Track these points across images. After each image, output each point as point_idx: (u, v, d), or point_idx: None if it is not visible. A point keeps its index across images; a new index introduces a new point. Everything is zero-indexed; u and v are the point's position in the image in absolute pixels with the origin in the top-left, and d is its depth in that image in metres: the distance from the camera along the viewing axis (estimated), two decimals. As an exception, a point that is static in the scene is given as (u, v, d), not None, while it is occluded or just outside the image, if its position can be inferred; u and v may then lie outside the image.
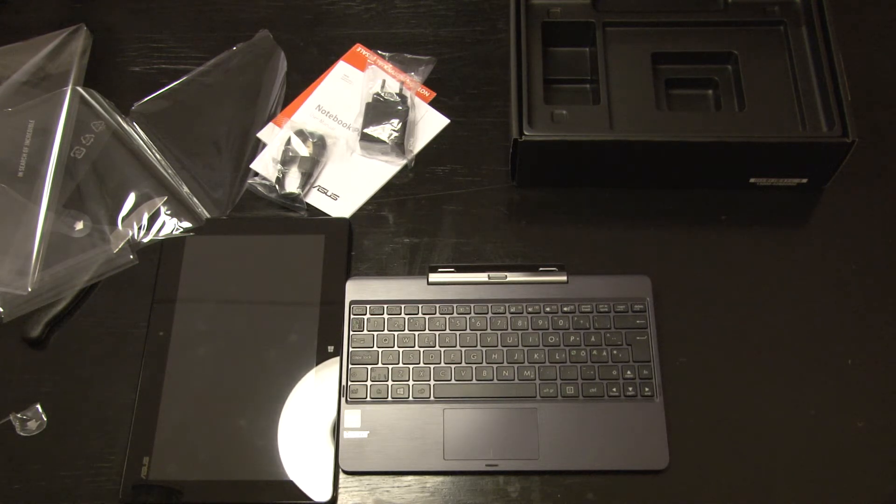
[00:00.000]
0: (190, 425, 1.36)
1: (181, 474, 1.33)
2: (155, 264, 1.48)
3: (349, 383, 1.37)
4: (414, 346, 1.39)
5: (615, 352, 1.38)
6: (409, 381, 1.37)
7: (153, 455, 1.33)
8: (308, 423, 1.36)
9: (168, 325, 1.42)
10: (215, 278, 1.47)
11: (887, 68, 1.65)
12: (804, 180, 1.51)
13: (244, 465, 1.33)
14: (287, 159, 1.56)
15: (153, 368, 1.38)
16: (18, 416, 1.38)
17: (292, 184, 1.54)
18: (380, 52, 1.68)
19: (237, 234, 1.51)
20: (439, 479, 1.34)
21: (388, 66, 1.66)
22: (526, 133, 1.44)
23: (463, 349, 1.39)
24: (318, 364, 1.39)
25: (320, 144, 1.58)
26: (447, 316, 1.41)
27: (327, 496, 1.31)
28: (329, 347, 1.41)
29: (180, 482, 1.32)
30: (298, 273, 1.47)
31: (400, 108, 1.59)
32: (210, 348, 1.41)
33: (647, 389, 1.35)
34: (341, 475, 1.34)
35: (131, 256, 1.49)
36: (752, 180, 1.51)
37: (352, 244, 1.52)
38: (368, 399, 1.36)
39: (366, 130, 1.57)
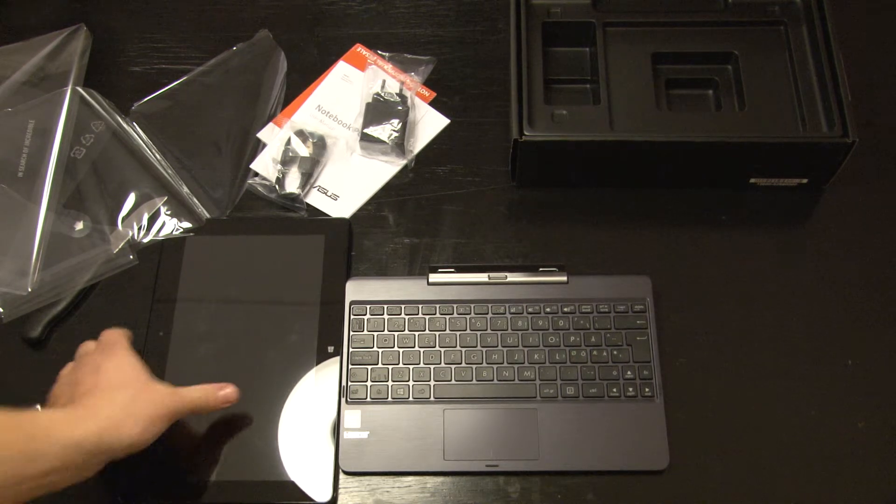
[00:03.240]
0: (191, 425, 1.35)
1: (181, 474, 1.33)
2: (155, 264, 1.48)
3: (349, 384, 1.37)
4: (414, 347, 1.39)
5: (615, 352, 1.38)
6: (409, 381, 1.37)
7: (155, 452, 1.32)
8: (308, 424, 1.36)
9: (168, 325, 1.42)
10: (215, 278, 1.47)
11: (887, 68, 1.65)
12: (804, 180, 1.51)
13: (244, 465, 1.33)
14: (287, 159, 1.56)
15: (153, 368, 1.38)
16: (18, 416, 1.38)
17: (292, 184, 1.54)
18: (380, 52, 1.68)
19: (237, 234, 1.51)
20: (439, 479, 1.34)
21: (388, 66, 1.66)
22: (526, 133, 1.44)
23: (463, 349, 1.39)
24: (318, 364, 1.39)
25: (320, 144, 1.58)
26: (447, 316, 1.41)
27: (327, 497, 1.31)
28: (329, 348, 1.40)
29: (180, 482, 1.32)
30: (299, 273, 1.47)
31: (400, 108, 1.59)
32: (210, 348, 1.41)
33: (647, 390, 1.35)
34: (341, 475, 1.34)
35: (131, 256, 1.49)
36: (752, 180, 1.51)
37: (352, 244, 1.52)
38: (368, 399, 1.36)
39: (366, 130, 1.57)
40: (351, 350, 1.40)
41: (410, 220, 1.54)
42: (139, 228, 1.51)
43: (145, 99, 1.62)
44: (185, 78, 1.65)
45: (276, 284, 1.46)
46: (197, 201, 1.53)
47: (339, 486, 1.33)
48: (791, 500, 1.31)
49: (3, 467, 1.02)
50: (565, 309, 1.40)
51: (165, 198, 1.53)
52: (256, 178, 1.56)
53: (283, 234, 1.50)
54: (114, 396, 1.16)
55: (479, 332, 1.40)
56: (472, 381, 1.37)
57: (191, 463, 1.34)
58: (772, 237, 1.51)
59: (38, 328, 1.43)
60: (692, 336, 1.42)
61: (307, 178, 1.55)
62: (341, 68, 1.67)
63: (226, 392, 1.29)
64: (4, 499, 1.03)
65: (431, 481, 1.34)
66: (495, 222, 1.54)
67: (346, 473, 1.34)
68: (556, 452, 1.33)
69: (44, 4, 1.76)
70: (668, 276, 1.46)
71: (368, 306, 1.42)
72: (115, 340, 1.26)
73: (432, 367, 1.38)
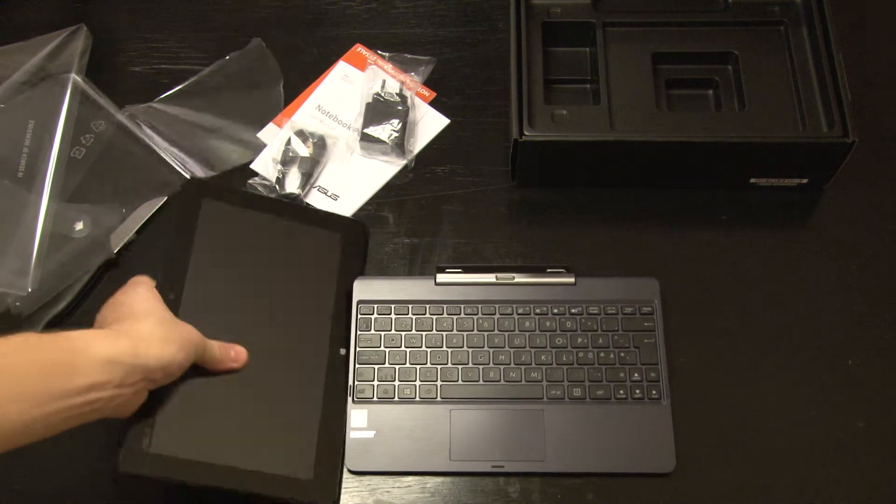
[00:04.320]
0: (196, 402, 1.30)
1: (184, 452, 1.27)
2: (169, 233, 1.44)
3: (356, 383, 1.38)
4: (421, 347, 1.40)
5: (622, 354, 1.38)
6: (415, 381, 1.38)
7: (156, 426, 1.26)
8: (315, 422, 1.35)
9: (179, 290, 1.35)
10: (228, 253, 1.42)
11: (887, 68, 1.66)
12: (804, 180, 1.51)
13: (248, 453, 1.30)
14: (287, 159, 1.56)
15: None
16: (19, 416, 1.37)
17: (292, 184, 1.54)
18: (380, 52, 1.68)
19: (254, 210, 1.46)
20: (440, 479, 1.34)
21: (388, 66, 1.66)
22: (526, 133, 1.45)
23: (470, 350, 1.39)
24: (327, 368, 1.38)
25: (320, 144, 1.58)
26: (454, 316, 1.41)
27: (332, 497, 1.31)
28: (342, 350, 1.40)
29: (182, 460, 1.27)
30: (314, 267, 1.45)
31: (400, 108, 1.59)
32: (221, 319, 1.35)
33: (654, 392, 1.36)
34: (343, 474, 1.34)
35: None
36: (752, 180, 1.52)
37: (367, 246, 1.52)
38: (375, 399, 1.37)
39: (366, 130, 1.57)
40: (358, 349, 1.40)
41: (410, 220, 1.55)
42: (140, 228, 1.50)
43: (146, 104, 1.62)
44: (178, 87, 1.65)
45: (289, 274, 1.44)
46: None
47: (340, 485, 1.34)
48: (792, 501, 1.32)
49: (49, 379, 1.03)
50: (573, 310, 1.41)
51: (165, 198, 1.53)
52: (256, 178, 1.55)
53: (303, 224, 1.48)
54: (142, 321, 1.17)
55: (486, 333, 1.40)
56: (478, 381, 1.37)
57: (195, 442, 1.29)
58: (772, 237, 1.51)
59: (38, 328, 1.42)
60: (696, 337, 1.42)
61: (307, 178, 1.55)
62: (341, 68, 1.67)
63: (237, 351, 1.32)
64: (54, 414, 1.03)
65: (432, 481, 1.34)
66: (495, 222, 1.54)
67: (352, 473, 1.34)
68: (562, 454, 1.33)
69: (44, 4, 1.75)
70: (667, 275, 1.45)
71: (376, 306, 1.42)
72: (138, 281, 1.28)
73: (439, 367, 1.38)
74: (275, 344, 1.38)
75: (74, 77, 1.59)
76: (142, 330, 1.16)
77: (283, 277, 1.43)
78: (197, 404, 1.29)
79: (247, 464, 1.29)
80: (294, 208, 1.52)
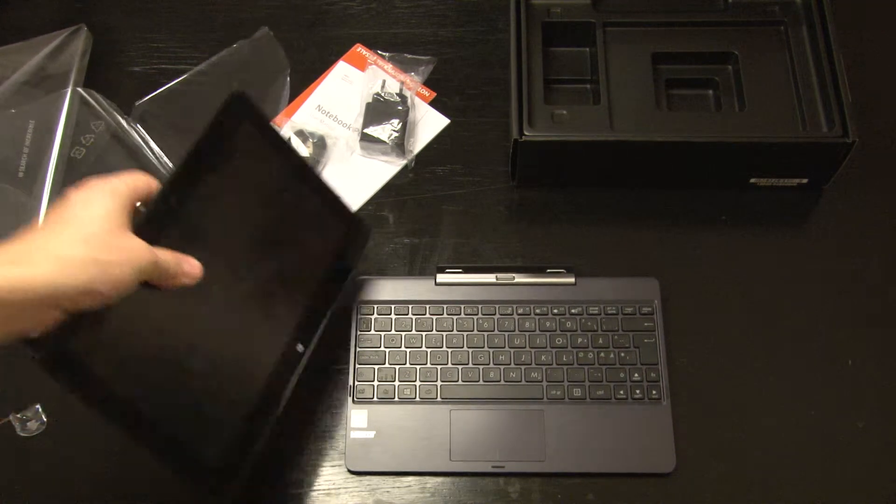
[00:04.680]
0: (134, 329, 1.09)
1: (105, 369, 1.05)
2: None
3: (356, 383, 1.38)
4: (421, 347, 1.40)
5: (623, 354, 1.38)
6: (415, 381, 1.38)
7: (102, 329, 1.03)
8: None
9: (183, 200, 1.11)
10: (244, 191, 1.23)
11: (887, 68, 1.66)
12: (804, 180, 1.51)
13: (163, 405, 1.13)
14: (287, 160, 1.56)
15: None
16: (18, 416, 1.37)
17: (293, 184, 1.54)
18: (380, 52, 1.68)
19: (285, 160, 1.30)
20: (439, 479, 1.34)
21: (388, 66, 1.66)
22: (526, 133, 1.45)
23: (470, 350, 1.39)
24: (277, 359, 1.28)
25: (320, 144, 1.58)
26: (454, 317, 1.41)
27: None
28: (299, 346, 1.31)
29: (100, 376, 1.05)
30: (310, 247, 1.35)
31: (400, 108, 1.59)
32: (208, 250, 1.13)
33: (654, 392, 1.36)
34: (344, 474, 1.34)
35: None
36: (752, 180, 1.52)
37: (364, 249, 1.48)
38: (375, 399, 1.37)
39: (366, 130, 1.57)
40: (358, 350, 1.40)
41: (410, 220, 1.55)
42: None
43: (147, 97, 1.62)
44: (186, 76, 1.66)
45: (285, 240, 1.31)
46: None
47: (340, 484, 1.34)
48: (792, 501, 1.32)
49: None
50: (573, 310, 1.41)
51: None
52: (256, 178, 1.55)
53: (316, 195, 1.36)
54: (64, 233, 0.95)
55: (486, 333, 1.40)
56: (478, 381, 1.38)
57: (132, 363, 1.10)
58: (772, 237, 1.51)
59: (36, 332, 1.41)
60: (696, 337, 1.42)
61: (307, 178, 1.55)
62: (341, 68, 1.67)
63: (191, 264, 1.08)
64: None
65: (431, 481, 1.34)
66: (495, 222, 1.54)
67: (352, 473, 1.34)
68: (562, 454, 1.33)
69: (44, 4, 1.76)
70: (667, 275, 1.46)
71: (376, 306, 1.42)
72: (113, 178, 1.04)
73: (439, 367, 1.39)
74: (242, 304, 1.25)
75: (74, 77, 1.60)
76: (53, 247, 0.93)
77: (279, 241, 1.30)
78: (135, 332, 1.10)
79: (156, 415, 1.12)
80: (315, 178, 1.36)
